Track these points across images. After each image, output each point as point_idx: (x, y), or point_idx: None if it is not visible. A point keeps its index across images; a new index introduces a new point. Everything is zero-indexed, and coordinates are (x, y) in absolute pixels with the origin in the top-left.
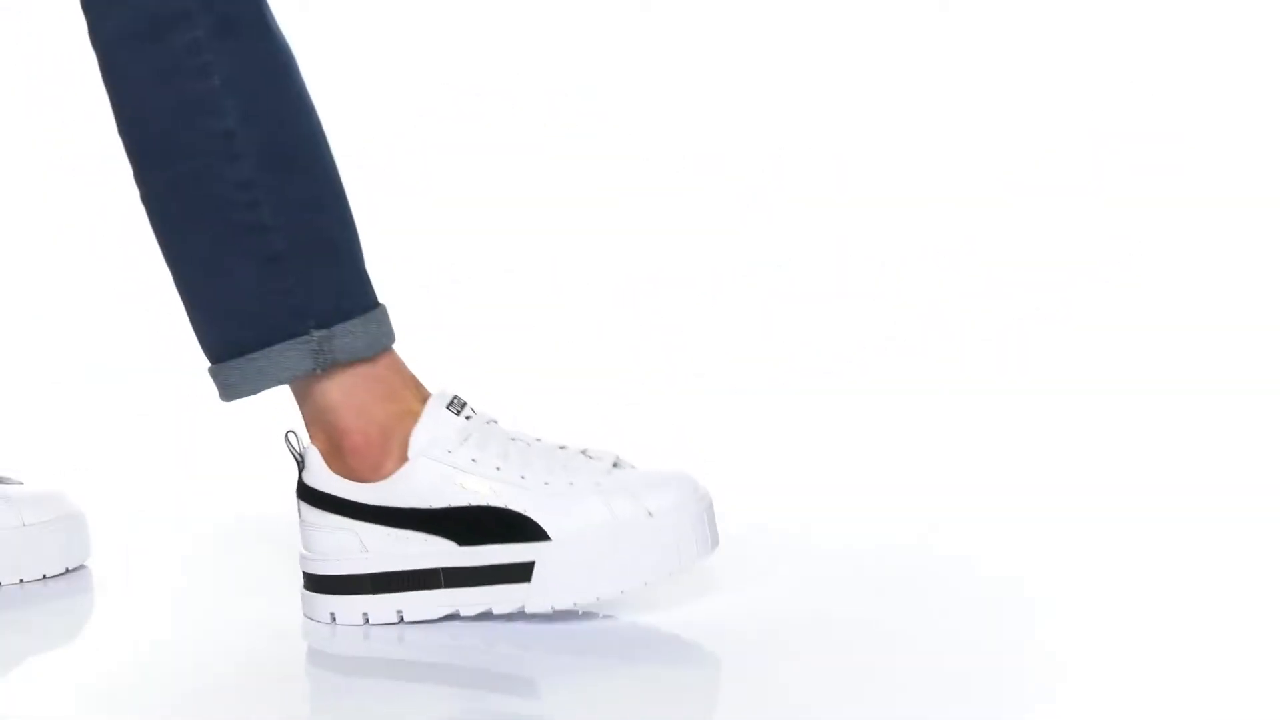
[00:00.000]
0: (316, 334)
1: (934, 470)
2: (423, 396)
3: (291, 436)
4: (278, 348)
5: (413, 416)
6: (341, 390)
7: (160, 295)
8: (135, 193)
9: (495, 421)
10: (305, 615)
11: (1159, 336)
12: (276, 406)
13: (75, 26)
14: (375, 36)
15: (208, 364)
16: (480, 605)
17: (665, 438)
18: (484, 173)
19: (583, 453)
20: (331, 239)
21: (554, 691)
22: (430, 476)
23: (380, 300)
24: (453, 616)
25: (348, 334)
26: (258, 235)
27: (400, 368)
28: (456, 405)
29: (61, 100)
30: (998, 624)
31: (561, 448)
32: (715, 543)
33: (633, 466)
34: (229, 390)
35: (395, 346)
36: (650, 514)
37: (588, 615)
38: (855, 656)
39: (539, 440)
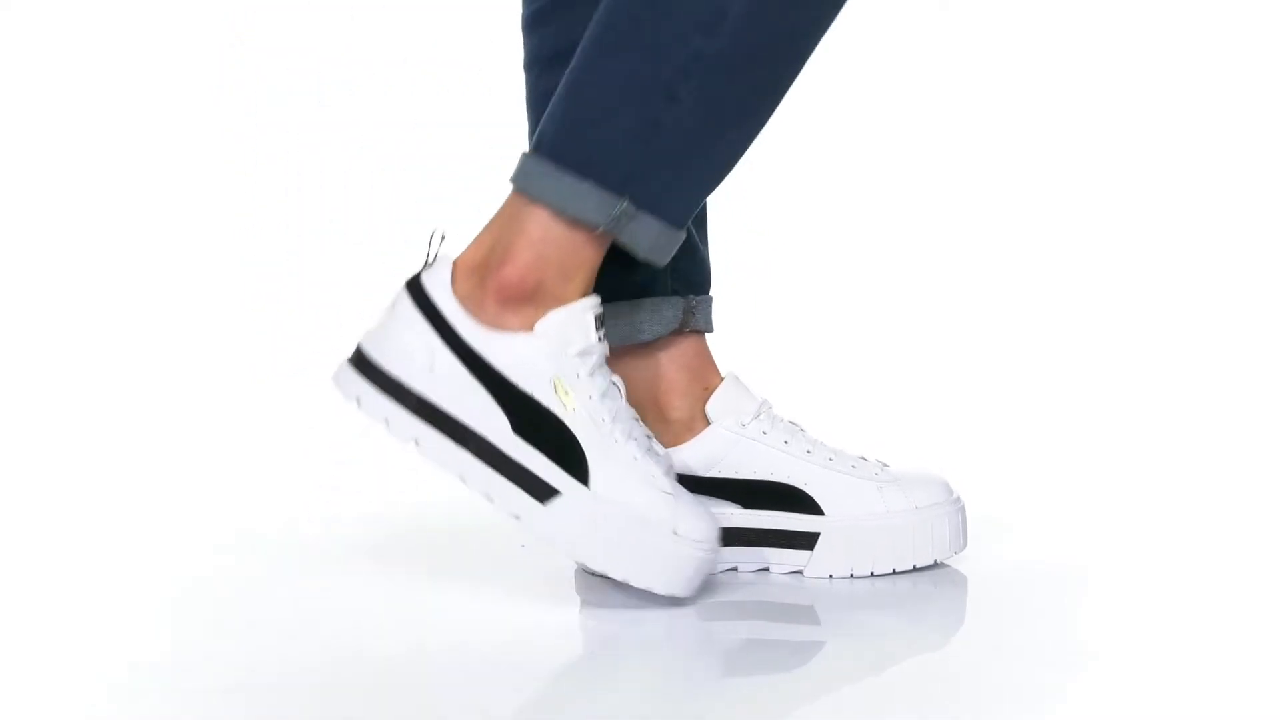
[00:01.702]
0: (694, 299)
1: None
2: (718, 375)
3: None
4: (667, 300)
5: (709, 391)
6: (670, 360)
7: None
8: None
9: (771, 408)
10: (584, 569)
11: (1159, 336)
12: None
13: (76, 26)
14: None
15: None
16: (760, 564)
17: None
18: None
19: (860, 456)
20: (704, 214)
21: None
22: (723, 444)
23: None
24: (731, 571)
25: (706, 306)
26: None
27: (706, 349)
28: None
29: (62, 100)
30: (998, 624)
31: (824, 443)
32: (965, 542)
33: (887, 466)
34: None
35: None
36: (917, 508)
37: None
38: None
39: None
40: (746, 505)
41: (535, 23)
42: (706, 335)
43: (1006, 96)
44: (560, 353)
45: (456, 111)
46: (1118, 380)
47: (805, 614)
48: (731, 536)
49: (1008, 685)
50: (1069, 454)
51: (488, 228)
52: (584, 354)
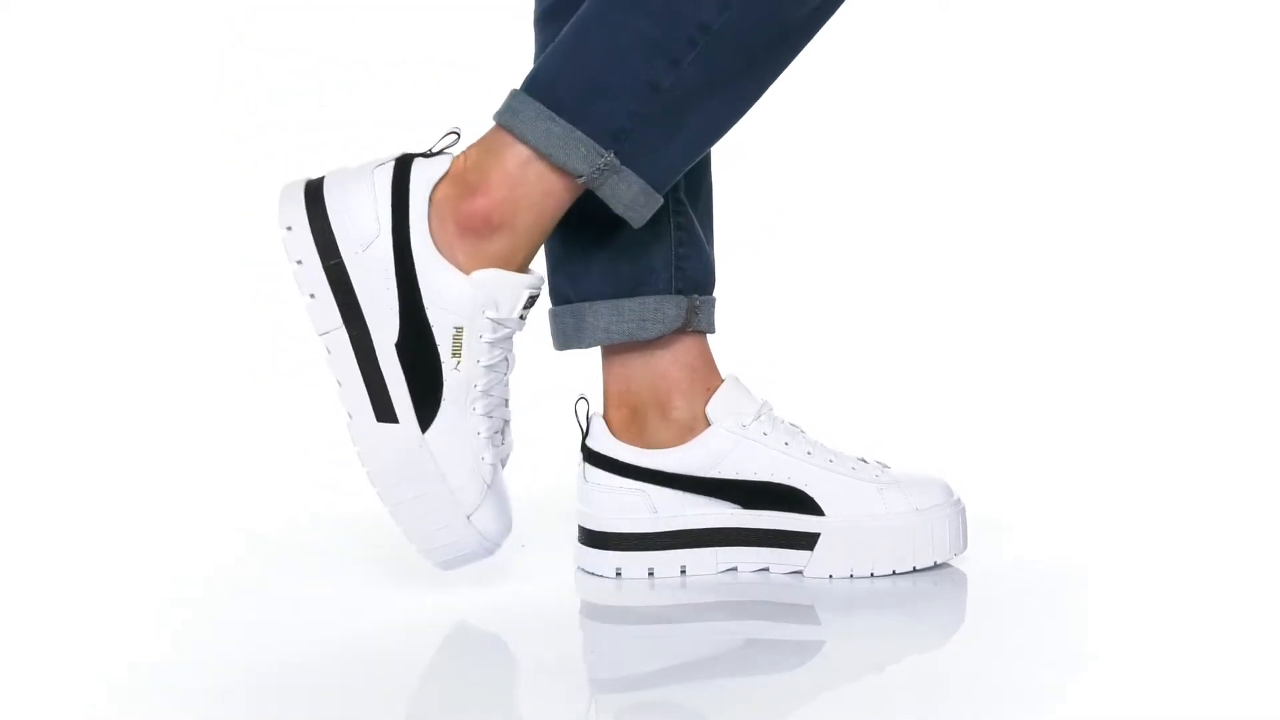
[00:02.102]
0: (697, 298)
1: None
2: (718, 376)
3: (582, 404)
4: (670, 299)
5: (710, 391)
6: (673, 359)
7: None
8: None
9: (772, 409)
10: (583, 569)
11: (1157, 337)
12: None
13: (76, 26)
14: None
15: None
16: (760, 564)
17: None
18: None
19: (859, 457)
20: (710, 214)
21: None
22: (724, 445)
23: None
24: (731, 571)
25: (709, 306)
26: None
27: (707, 349)
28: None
29: (61, 100)
30: (998, 624)
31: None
32: (965, 544)
33: (888, 467)
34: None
35: None
36: (918, 510)
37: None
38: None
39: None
40: (746, 505)
41: (547, 19)
42: (708, 336)
43: (1006, 97)
44: (479, 309)
45: (456, 111)
46: (1116, 380)
47: (805, 614)
48: (732, 537)
49: (1008, 685)
50: (1069, 454)
51: (470, 152)
52: (498, 322)
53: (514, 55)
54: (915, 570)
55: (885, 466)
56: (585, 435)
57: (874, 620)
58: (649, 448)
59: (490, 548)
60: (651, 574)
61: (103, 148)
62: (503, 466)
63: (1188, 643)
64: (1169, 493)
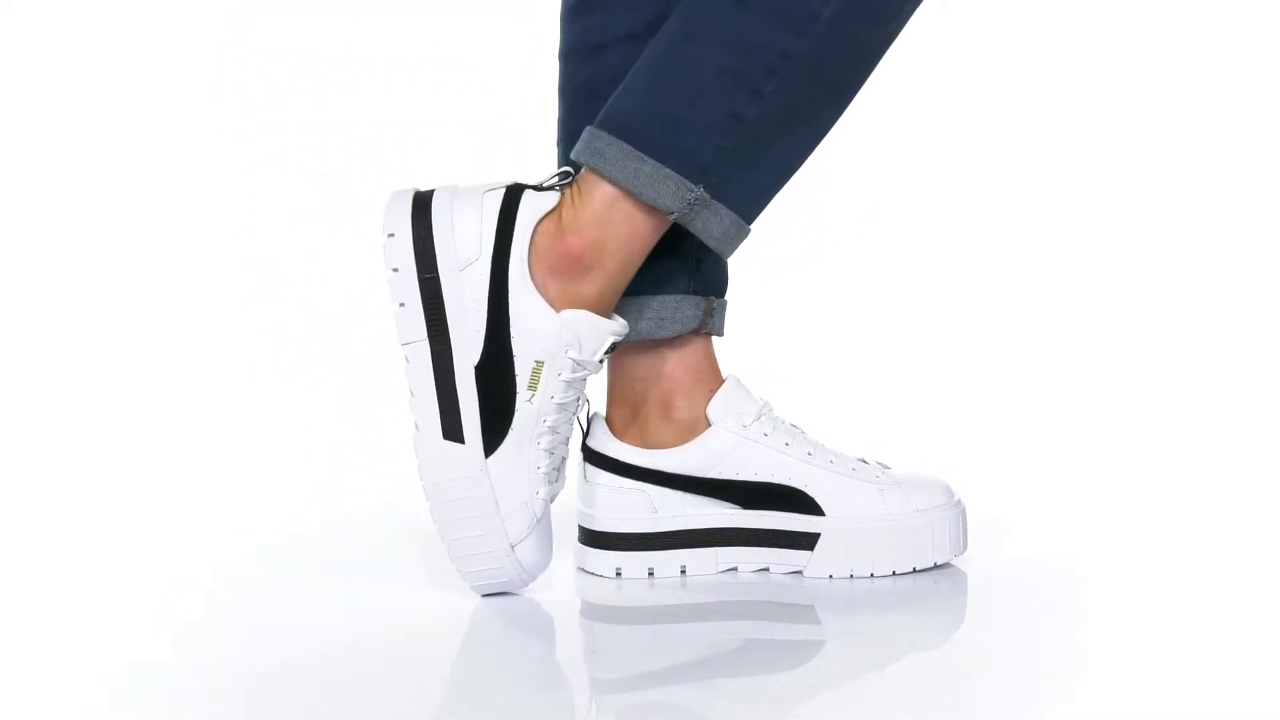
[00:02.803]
0: (714, 301)
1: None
2: (720, 378)
3: (583, 404)
4: (689, 299)
5: (712, 393)
6: (678, 360)
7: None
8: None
9: (772, 410)
10: (583, 569)
11: (1157, 337)
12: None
13: (76, 26)
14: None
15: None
16: (760, 564)
17: None
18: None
19: (860, 458)
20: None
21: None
22: (724, 445)
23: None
24: (731, 571)
25: (721, 310)
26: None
27: (712, 352)
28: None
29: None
30: (998, 624)
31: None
32: (966, 545)
33: (888, 468)
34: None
35: None
36: (918, 511)
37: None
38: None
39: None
40: (746, 506)
41: (577, 13)
42: (714, 338)
43: (1006, 97)
44: (562, 347)
45: (457, 112)
46: (1116, 381)
47: (805, 614)
48: (732, 537)
49: (1008, 685)
50: (1069, 454)
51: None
52: (578, 363)
53: (514, 55)
54: (915, 571)
55: (886, 467)
56: (586, 435)
57: (874, 620)
58: (649, 448)
59: (526, 580)
60: (651, 574)
61: (103, 148)
62: (551, 502)
63: (1187, 642)
64: (1168, 492)
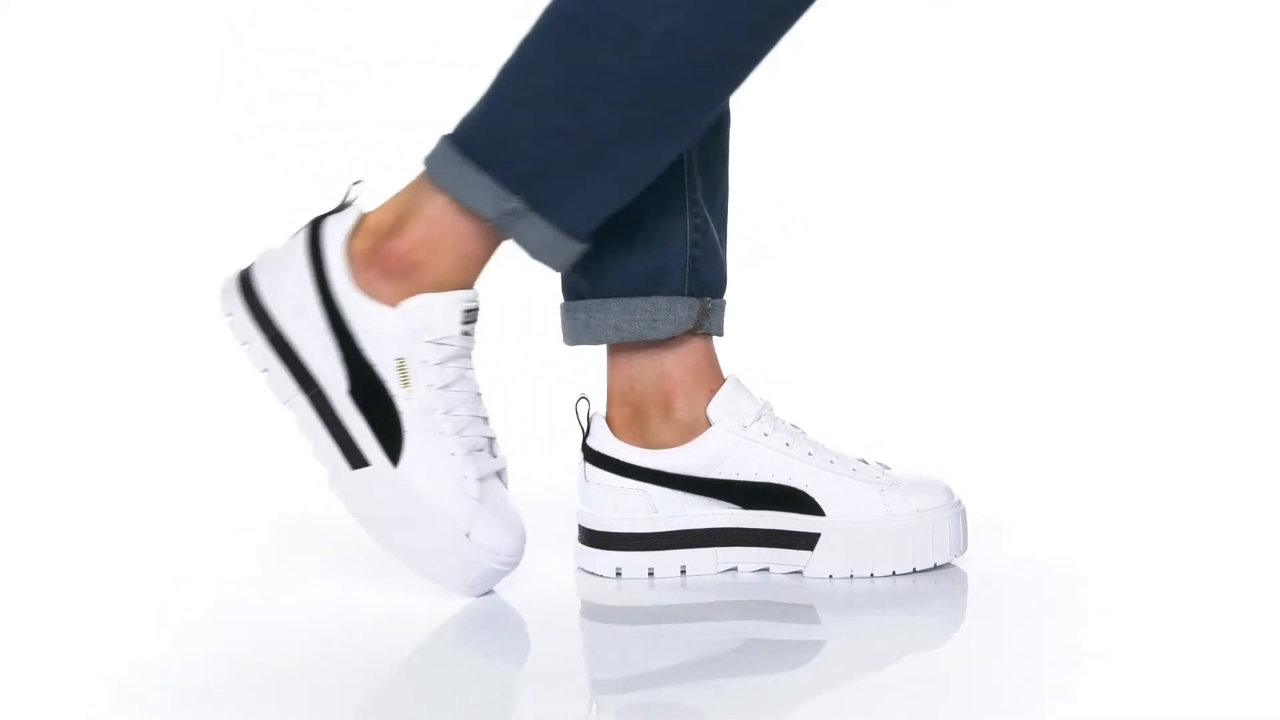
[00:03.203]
0: (709, 301)
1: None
2: (721, 378)
3: (582, 404)
4: (683, 300)
5: (713, 393)
6: (677, 360)
7: None
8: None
9: (773, 410)
10: (583, 568)
11: (1157, 337)
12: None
13: (76, 26)
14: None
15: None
16: (760, 564)
17: None
18: None
19: (860, 458)
20: (725, 217)
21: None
22: (724, 446)
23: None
24: (731, 571)
25: (719, 310)
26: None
27: (713, 352)
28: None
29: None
30: (998, 624)
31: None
32: (966, 546)
33: (889, 469)
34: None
35: None
36: (918, 511)
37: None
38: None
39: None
40: (747, 506)
41: None
42: (714, 339)
43: (1006, 98)
44: (415, 335)
45: (456, 112)
46: (1115, 380)
47: (805, 614)
48: (732, 537)
49: (1008, 685)
50: (1069, 454)
51: (396, 196)
52: (439, 342)
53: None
54: (915, 571)
55: (886, 468)
56: (586, 435)
57: (874, 620)
58: (650, 448)
59: (506, 561)
60: (651, 574)
61: (103, 148)
62: (504, 481)
63: (1187, 642)
64: (1168, 492)
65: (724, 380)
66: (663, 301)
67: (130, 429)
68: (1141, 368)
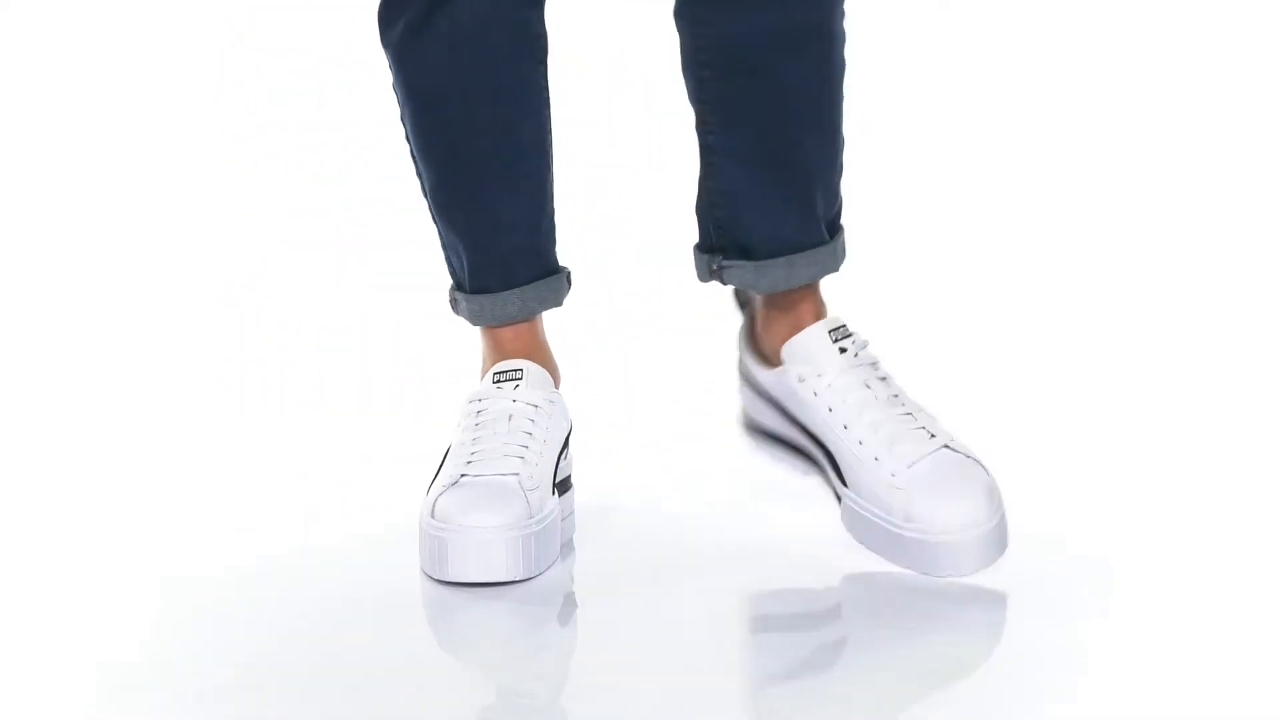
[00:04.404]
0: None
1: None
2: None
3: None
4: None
5: (793, 330)
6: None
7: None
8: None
9: (876, 363)
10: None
11: (1157, 337)
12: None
13: (76, 26)
14: None
15: None
16: (815, 472)
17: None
18: None
19: (923, 428)
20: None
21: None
22: (781, 392)
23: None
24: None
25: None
26: None
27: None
28: (839, 334)
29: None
30: (1000, 625)
31: (910, 414)
32: (985, 562)
33: (965, 447)
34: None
35: None
36: (909, 520)
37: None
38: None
39: (897, 396)
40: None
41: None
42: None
43: (1006, 97)
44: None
45: None
46: (1115, 380)
47: (808, 617)
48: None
49: (1008, 686)
50: (1072, 454)
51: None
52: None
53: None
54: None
55: (945, 446)
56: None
57: (874, 620)
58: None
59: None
60: None
61: (103, 148)
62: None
63: (1187, 643)
64: (1171, 492)
65: (814, 321)
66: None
67: (130, 429)
68: (1139, 367)
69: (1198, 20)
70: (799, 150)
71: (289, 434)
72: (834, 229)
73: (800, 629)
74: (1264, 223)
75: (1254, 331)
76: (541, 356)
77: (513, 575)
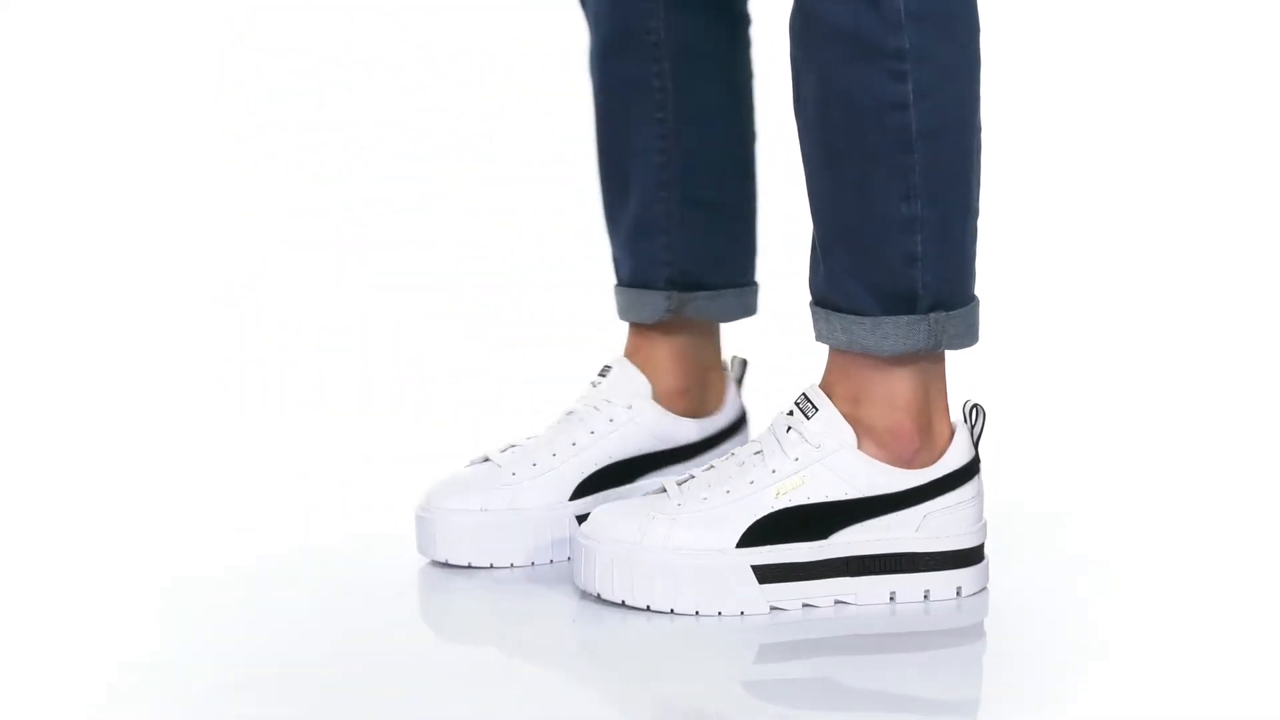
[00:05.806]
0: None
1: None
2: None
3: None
4: (904, 319)
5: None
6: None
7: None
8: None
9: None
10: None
11: (1157, 338)
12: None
13: (76, 26)
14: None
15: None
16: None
17: None
18: (491, 179)
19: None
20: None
21: None
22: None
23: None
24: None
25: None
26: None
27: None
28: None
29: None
30: (1001, 626)
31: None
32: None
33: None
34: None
35: None
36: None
37: None
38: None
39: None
40: None
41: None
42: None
43: (1005, 98)
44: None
45: (457, 111)
46: (1115, 381)
47: (808, 620)
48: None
49: (1008, 685)
50: (1070, 453)
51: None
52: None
53: (514, 56)
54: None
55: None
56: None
57: (871, 619)
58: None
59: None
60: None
61: (103, 148)
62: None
63: (1188, 642)
64: (1170, 492)
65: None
66: (884, 323)
67: (130, 429)
68: (1140, 368)
69: (1198, 20)
70: None
71: (289, 434)
72: None
73: (778, 627)
74: (1257, 222)
75: (1250, 331)
76: (652, 364)
77: (471, 560)
